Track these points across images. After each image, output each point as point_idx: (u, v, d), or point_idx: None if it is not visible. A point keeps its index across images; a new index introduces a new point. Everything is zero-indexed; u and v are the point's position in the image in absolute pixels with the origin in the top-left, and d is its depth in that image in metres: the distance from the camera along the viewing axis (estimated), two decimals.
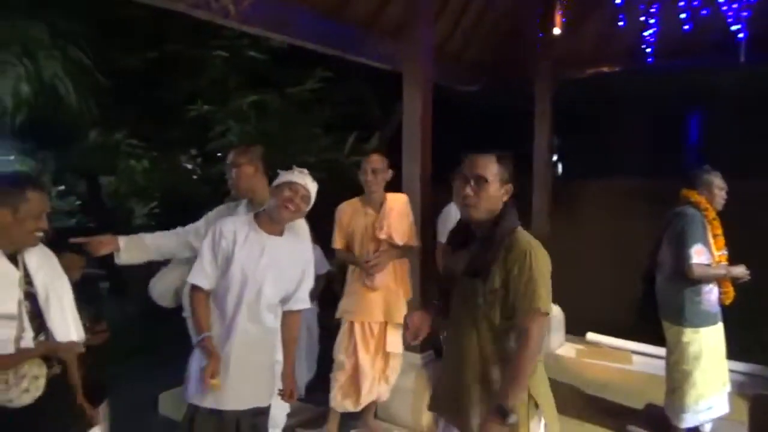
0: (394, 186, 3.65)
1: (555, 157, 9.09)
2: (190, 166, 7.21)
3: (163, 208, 7.29)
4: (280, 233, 2.46)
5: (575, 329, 5.80)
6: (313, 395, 4.08)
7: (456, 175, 2.06)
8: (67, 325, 2.12)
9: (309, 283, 2.57)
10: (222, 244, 2.34)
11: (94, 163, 7.17)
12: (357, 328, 3.54)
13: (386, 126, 7.62)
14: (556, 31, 5.19)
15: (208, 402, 2.31)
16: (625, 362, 5.24)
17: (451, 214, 3.70)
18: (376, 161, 3.47)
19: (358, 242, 3.50)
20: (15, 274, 2.01)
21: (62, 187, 12.00)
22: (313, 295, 4.51)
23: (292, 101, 6.22)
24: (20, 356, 1.96)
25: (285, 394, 2.48)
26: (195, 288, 2.36)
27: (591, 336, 5.77)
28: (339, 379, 3.57)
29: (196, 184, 6.52)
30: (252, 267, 2.34)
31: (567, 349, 5.59)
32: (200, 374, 2.27)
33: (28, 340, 1.99)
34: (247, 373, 2.37)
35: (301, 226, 2.85)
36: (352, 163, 5.63)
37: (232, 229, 2.37)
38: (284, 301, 2.50)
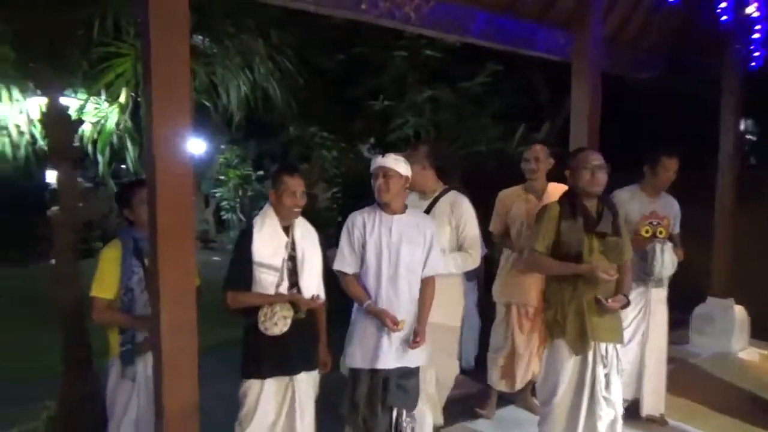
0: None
1: (747, 147, 8.23)
2: (369, 155, 7.96)
3: (344, 193, 8.14)
4: (402, 211, 2.81)
5: (761, 333, 5.36)
6: (475, 372, 4.41)
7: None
8: (312, 285, 2.74)
9: (437, 252, 2.86)
10: (355, 233, 2.78)
11: (292, 152, 8.29)
12: (513, 310, 3.70)
13: (557, 116, 7.60)
14: (749, 9, 4.80)
15: (366, 363, 2.74)
16: None
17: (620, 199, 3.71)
18: (539, 150, 3.66)
19: (518, 228, 3.65)
20: (284, 239, 2.69)
21: (261, 172, 13.77)
22: (473, 276, 4.83)
23: (463, 95, 6.56)
24: (273, 297, 2.62)
25: (411, 343, 2.74)
26: (341, 273, 2.81)
27: None
28: (497, 362, 3.76)
29: None
30: (385, 246, 2.73)
31: (750, 353, 5.21)
32: (362, 341, 2.73)
33: (284, 289, 2.65)
34: (394, 337, 2.73)
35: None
36: (521, 153, 5.80)
37: (361, 219, 2.79)
38: (419, 269, 2.81)
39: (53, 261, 4.06)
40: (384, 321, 2.68)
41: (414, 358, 2.79)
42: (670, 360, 3.98)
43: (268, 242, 2.65)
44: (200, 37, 4.52)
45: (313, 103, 7.39)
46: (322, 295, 2.78)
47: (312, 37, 6.43)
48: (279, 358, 2.63)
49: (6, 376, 6.32)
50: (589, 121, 3.94)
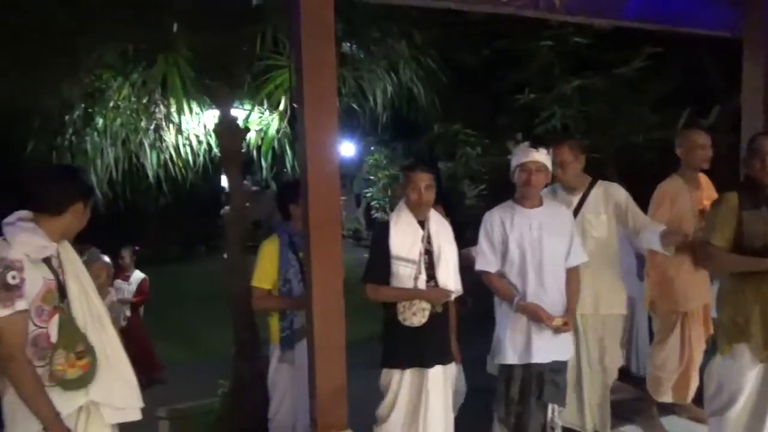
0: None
1: None
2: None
3: (490, 190, 8.05)
4: (540, 204, 2.82)
5: None
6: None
7: None
8: (448, 278, 2.79)
9: (578, 241, 2.86)
10: (495, 231, 2.80)
11: (438, 150, 8.41)
12: (688, 317, 3.44)
13: (730, 98, 6.80)
14: None
15: (520, 359, 2.76)
16: None
17: None
18: (705, 137, 3.40)
19: (687, 222, 3.39)
20: (420, 233, 2.78)
21: None
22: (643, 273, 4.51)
23: (617, 82, 6.16)
24: (413, 293, 2.70)
25: (561, 323, 2.72)
26: (485, 273, 2.85)
27: None
28: (669, 377, 3.47)
29: None
30: (527, 241, 2.73)
31: None
32: (513, 337, 2.75)
33: (421, 281, 2.73)
34: (545, 330, 2.72)
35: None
36: None
37: (498, 217, 2.82)
38: (563, 260, 2.81)
39: (225, 255, 4.58)
40: (538, 317, 2.69)
41: (564, 351, 2.82)
42: None
43: (404, 236, 2.74)
44: (349, 45, 4.80)
45: (457, 100, 7.42)
46: (459, 289, 2.82)
47: (454, 35, 6.47)
48: (415, 350, 2.70)
49: (189, 358, 7.25)
50: (765, 102, 3.51)
